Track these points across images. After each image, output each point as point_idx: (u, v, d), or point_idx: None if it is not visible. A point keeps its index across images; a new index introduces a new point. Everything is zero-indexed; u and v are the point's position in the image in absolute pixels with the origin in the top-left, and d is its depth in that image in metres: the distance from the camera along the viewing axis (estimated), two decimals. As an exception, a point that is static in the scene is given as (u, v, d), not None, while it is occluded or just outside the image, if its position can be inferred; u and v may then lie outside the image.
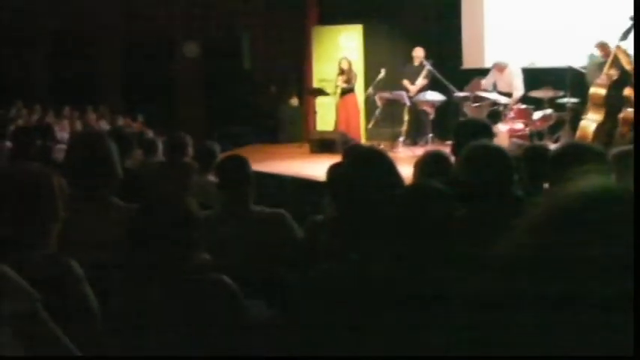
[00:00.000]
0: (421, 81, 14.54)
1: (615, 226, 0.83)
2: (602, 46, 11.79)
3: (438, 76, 14.14)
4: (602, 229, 0.83)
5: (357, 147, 7.62)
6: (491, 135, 5.30)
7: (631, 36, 11.10)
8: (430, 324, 2.56)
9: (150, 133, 11.64)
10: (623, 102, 10.88)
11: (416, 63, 14.73)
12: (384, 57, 15.71)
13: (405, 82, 14.68)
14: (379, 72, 14.69)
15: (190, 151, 7.48)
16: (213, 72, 18.38)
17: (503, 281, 0.90)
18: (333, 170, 4.54)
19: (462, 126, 5.64)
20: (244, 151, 11.44)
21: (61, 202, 3.06)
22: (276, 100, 17.99)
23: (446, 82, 13.98)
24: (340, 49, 16.30)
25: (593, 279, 0.80)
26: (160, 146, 8.14)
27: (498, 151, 4.13)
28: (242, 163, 4.97)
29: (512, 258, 0.91)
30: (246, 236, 4.55)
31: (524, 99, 13.04)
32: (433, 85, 14.41)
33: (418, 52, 14.76)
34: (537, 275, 0.84)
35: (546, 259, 0.85)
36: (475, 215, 3.53)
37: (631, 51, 11.06)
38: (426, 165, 5.05)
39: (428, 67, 14.33)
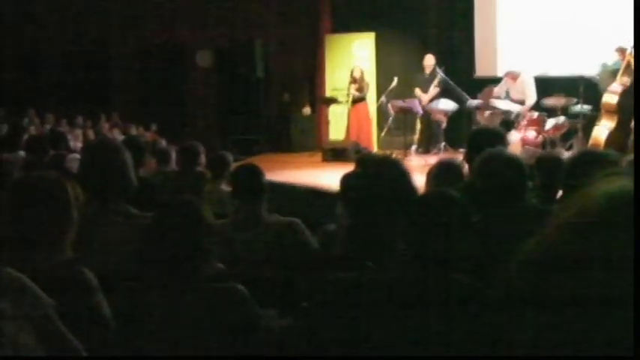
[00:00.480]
0: (433, 89, 14.52)
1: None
2: (622, 51, 11.76)
3: (451, 83, 14.12)
4: (629, 229, 0.83)
5: (370, 155, 7.64)
6: (504, 143, 5.29)
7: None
8: (448, 329, 2.56)
9: (163, 142, 11.68)
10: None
11: (427, 71, 14.73)
12: (397, 65, 15.72)
13: (417, 91, 14.68)
14: (392, 80, 14.66)
15: (203, 159, 7.50)
16: (226, 81, 18.41)
17: (536, 281, 0.90)
18: (346, 179, 4.54)
19: (476, 134, 5.65)
20: (257, 160, 11.47)
21: (75, 209, 3.08)
22: (288, 108, 18.00)
23: (458, 90, 13.97)
24: (353, 58, 16.31)
25: (622, 279, 0.80)
26: (174, 155, 8.16)
27: (513, 159, 4.13)
28: (256, 172, 4.98)
29: (546, 257, 0.91)
30: (260, 245, 4.55)
31: (536, 107, 13.01)
32: (446, 93, 14.38)
33: (429, 61, 14.77)
34: (571, 274, 0.84)
35: (579, 258, 0.85)
36: (490, 222, 3.54)
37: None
38: (439, 173, 5.04)
39: (440, 75, 14.33)
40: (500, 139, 5.14)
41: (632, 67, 11.29)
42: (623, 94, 11.23)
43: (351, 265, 3.43)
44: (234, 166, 6.37)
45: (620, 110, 11.21)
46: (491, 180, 3.92)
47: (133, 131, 16.61)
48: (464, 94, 13.86)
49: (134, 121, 17.44)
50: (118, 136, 15.23)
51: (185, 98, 18.99)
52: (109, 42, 19.11)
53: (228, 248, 4.24)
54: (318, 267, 4.23)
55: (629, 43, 11.56)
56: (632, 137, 10.78)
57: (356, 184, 4.22)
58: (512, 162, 4.03)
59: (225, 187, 6.44)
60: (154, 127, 17.45)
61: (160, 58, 18.68)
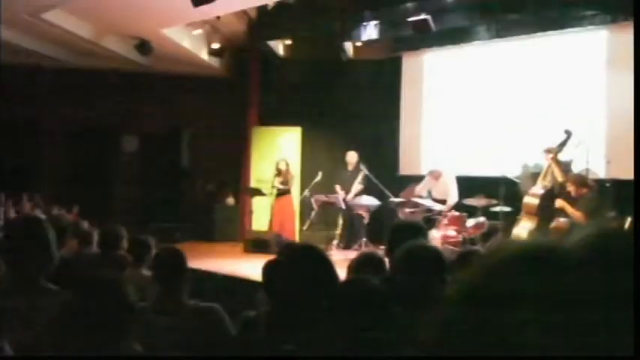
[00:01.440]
0: (357, 186, 14.68)
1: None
2: (549, 152, 12.07)
3: (374, 180, 14.32)
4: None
5: (292, 244, 7.67)
6: (425, 236, 5.38)
7: (565, 148, 11.51)
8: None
9: (85, 224, 11.54)
10: (555, 212, 11.13)
11: (350, 168, 14.95)
12: (322, 160, 15.91)
13: (337, 188, 14.85)
14: (316, 175, 14.81)
15: (125, 244, 7.44)
16: (151, 167, 18.37)
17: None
18: (268, 266, 4.57)
19: (397, 228, 5.68)
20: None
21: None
22: (212, 198, 18.00)
23: (381, 187, 14.16)
24: (279, 150, 16.48)
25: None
26: (95, 237, 8.09)
27: (433, 251, 4.21)
28: (178, 256, 4.99)
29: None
30: (179, 329, 4.53)
31: (458, 206, 13.26)
32: (369, 189, 14.56)
33: (352, 157, 15.02)
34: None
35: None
36: (409, 314, 3.59)
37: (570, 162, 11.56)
38: (360, 264, 5.09)
39: (364, 172, 14.51)
40: (420, 232, 5.22)
41: (554, 170, 11.64)
42: (544, 197, 11.53)
43: (269, 349, 3.45)
44: (157, 249, 6.35)
45: (540, 212, 11.48)
46: (411, 271, 3.96)
47: (55, 212, 16.39)
48: (386, 191, 14.06)
49: (57, 201, 17.22)
50: (40, 216, 15.00)
51: (109, 182, 18.86)
52: (38, 122, 18.95)
53: (148, 331, 4.22)
54: (236, 352, 4.24)
55: (553, 145, 11.93)
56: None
57: (277, 272, 4.26)
58: (433, 254, 4.09)
59: (146, 272, 6.39)
60: (76, 209, 17.24)
61: (88, 140, 18.58)
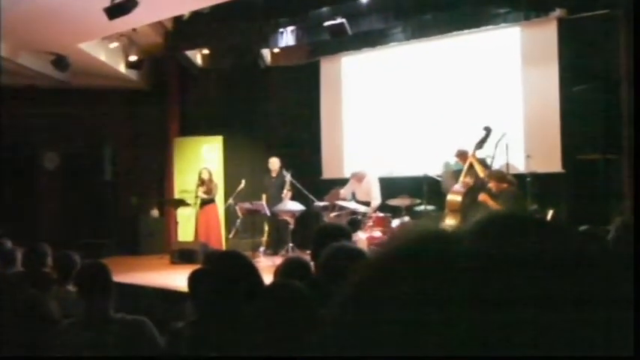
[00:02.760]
0: (287, 193, 14.66)
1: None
2: (462, 155, 12.30)
3: (298, 186, 14.37)
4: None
5: (216, 252, 7.66)
6: (349, 238, 5.42)
7: (485, 145, 11.72)
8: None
9: (9, 243, 11.36)
10: (479, 207, 11.30)
11: (273, 174, 14.97)
12: (244, 168, 15.94)
13: (264, 197, 14.89)
14: (240, 183, 14.81)
15: (50, 261, 7.36)
16: (74, 183, 18.14)
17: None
18: (193, 276, 4.58)
19: (321, 231, 5.71)
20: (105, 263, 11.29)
21: None
22: (137, 211, 17.86)
23: (305, 192, 14.23)
24: (201, 160, 16.44)
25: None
26: (19, 256, 7.98)
27: (357, 252, 4.25)
28: (102, 270, 4.96)
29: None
30: (106, 343, 4.52)
31: (382, 207, 13.37)
32: (293, 194, 14.61)
33: (274, 164, 15.05)
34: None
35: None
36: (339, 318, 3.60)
37: (487, 159, 11.75)
38: (286, 270, 5.11)
39: (287, 177, 14.55)
40: (344, 234, 5.26)
41: (475, 168, 11.83)
42: (466, 194, 11.72)
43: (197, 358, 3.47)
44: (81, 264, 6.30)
45: (463, 209, 11.65)
46: (335, 273, 3.96)
47: (-25, 234, 16.10)
48: (310, 195, 14.12)
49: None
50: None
51: (32, 200, 18.58)
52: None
53: (74, 347, 4.20)
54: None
55: (469, 146, 12.13)
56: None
57: (203, 280, 4.27)
58: (357, 255, 4.11)
59: (72, 289, 6.34)
60: (-2, 230, 16.96)
61: (7, 159, 18.27)
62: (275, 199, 14.70)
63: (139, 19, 12.66)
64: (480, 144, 11.96)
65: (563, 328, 0.79)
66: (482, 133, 11.97)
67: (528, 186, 11.91)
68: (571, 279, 0.83)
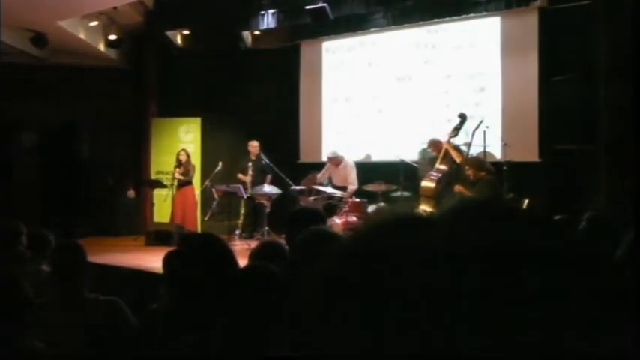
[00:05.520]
0: (268, 178, 14.64)
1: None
2: (435, 144, 12.33)
3: (275, 169, 14.37)
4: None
5: (191, 234, 7.66)
6: (324, 222, 5.43)
7: (461, 132, 11.76)
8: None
9: (-19, 222, 11.31)
10: (453, 196, 11.33)
11: (252, 157, 14.92)
12: (222, 150, 15.88)
13: (240, 177, 14.86)
14: (217, 165, 14.78)
15: (24, 239, 7.33)
16: (50, 162, 18.04)
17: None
18: (168, 257, 4.57)
19: (296, 214, 5.71)
20: (80, 243, 11.26)
21: None
22: (113, 192, 17.79)
23: (282, 176, 14.22)
24: (179, 142, 16.40)
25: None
26: (-7, 235, 7.93)
27: (332, 235, 4.26)
28: (77, 250, 4.96)
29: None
30: (80, 323, 4.52)
31: (359, 193, 13.39)
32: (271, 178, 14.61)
33: (254, 147, 14.97)
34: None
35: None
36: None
37: (462, 146, 11.79)
38: (261, 252, 5.12)
39: (265, 160, 14.54)
40: (319, 218, 5.27)
41: (449, 155, 11.86)
42: (440, 181, 11.75)
43: (171, 341, 3.47)
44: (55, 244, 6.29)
45: (436, 196, 11.68)
46: (311, 256, 3.99)
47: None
48: (287, 179, 14.13)
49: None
50: None
51: (8, 178, 18.45)
52: None
53: (49, 327, 4.19)
54: (137, 345, 4.24)
55: (443, 135, 12.18)
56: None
57: (177, 263, 4.27)
58: (332, 238, 4.11)
59: (46, 268, 6.32)
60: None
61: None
62: (255, 182, 14.67)
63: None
64: (455, 131, 11.98)
65: (534, 314, 0.80)
66: (457, 121, 12.00)
67: (505, 175, 11.96)
68: (539, 267, 0.84)
